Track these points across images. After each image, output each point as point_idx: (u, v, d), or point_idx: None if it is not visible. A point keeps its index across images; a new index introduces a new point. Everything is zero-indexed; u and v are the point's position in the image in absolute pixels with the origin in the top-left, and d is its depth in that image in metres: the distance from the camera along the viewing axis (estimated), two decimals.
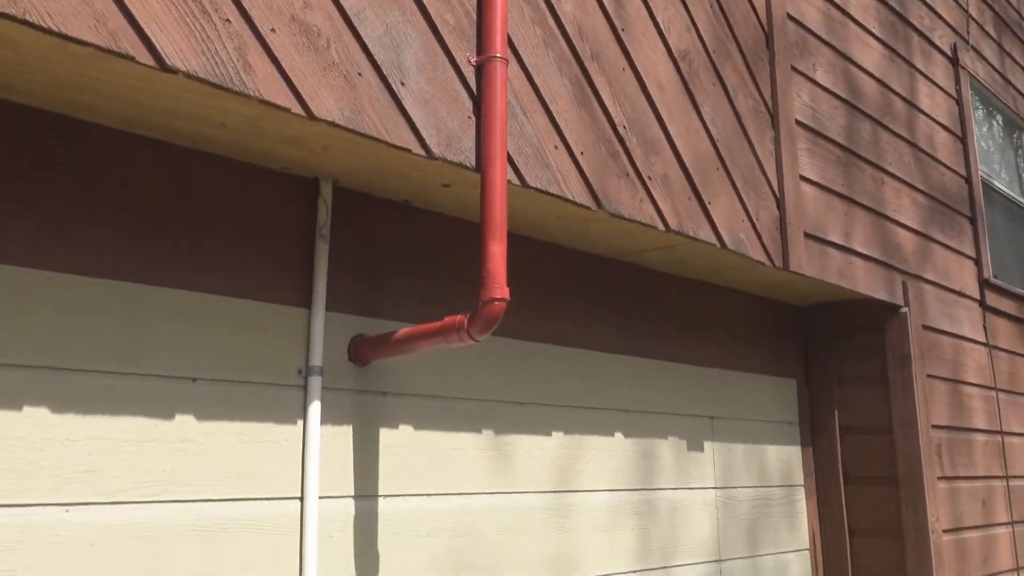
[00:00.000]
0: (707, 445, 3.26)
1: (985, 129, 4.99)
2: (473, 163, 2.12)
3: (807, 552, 3.61)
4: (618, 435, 2.92)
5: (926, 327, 3.76)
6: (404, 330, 2.16)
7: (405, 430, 2.34)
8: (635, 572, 2.86)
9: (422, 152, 2.02)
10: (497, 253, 2.02)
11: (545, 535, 2.61)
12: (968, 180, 4.47)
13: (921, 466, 3.46)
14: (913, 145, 4.02)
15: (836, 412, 3.71)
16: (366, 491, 2.22)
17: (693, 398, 3.25)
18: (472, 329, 2.01)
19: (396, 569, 2.24)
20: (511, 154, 2.19)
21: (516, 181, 2.21)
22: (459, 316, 2.04)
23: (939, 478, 3.60)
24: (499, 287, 2.00)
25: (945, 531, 3.54)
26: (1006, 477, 4.24)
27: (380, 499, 2.25)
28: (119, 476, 1.82)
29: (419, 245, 2.46)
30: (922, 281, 3.84)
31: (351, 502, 2.19)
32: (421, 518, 2.32)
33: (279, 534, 2.04)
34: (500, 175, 2.08)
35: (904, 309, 3.62)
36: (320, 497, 2.12)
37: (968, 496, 3.84)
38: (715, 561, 3.17)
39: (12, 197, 1.76)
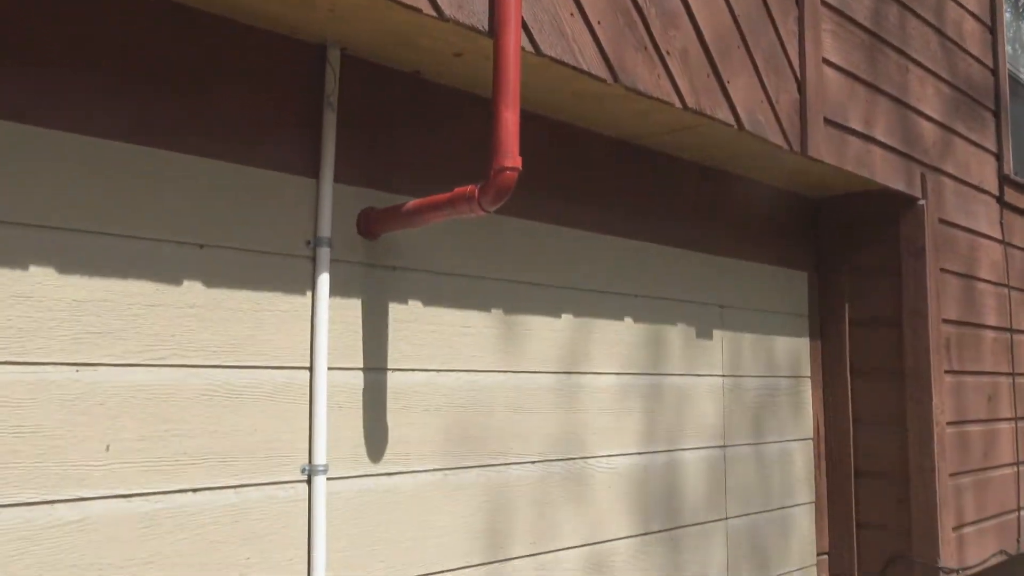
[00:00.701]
0: (716, 333, 3.26)
1: (1011, 33, 4.80)
2: (486, 26, 2.04)
3: (811, 441, 3.64)
4: (627, 319, 2.91)
5: (942, 221, 3.70)
6: (414, 201, 2.12)
7: (415, 305, 2.33)
8: (641, 454, 2.89)
9: (433, 12, 1.94)
10: (510, 121, 1.96)
11: (553, 415, 2.63)
12: (995, 72, 4.33)
13: (929, 359, 3.46)
14: (940, 33, 3.88)
15: (846, 305, 3.69)
16: (375, 364, 2.23)
17: (704, 286, 3.22)
18: (483, 199, 1.96)
19: (405, 441, 2.26)
20: (525, 19, 2.11)
21: (530, 48, 2.13)
22: (470, 186, 1.99)
23: (946, 371, 3.60)
24: (511, 156, 1.95)
25: (948, 423, 3.57)
26: (1013, 374, 4.25)
27: (389, 372, 2.25)
28: (128, 339, 1.82)
29: (430, 118, 2.40)
30: (941, 174, 3.76)
31: (360, 374, 2.20)
32: (430, 392, 2.33)
33: (289, 402, 2.05)
34: (514, 39, 2.00)
35: (921, 201, 3.56)
36: (329, 368, 2.12)
37: (974, 390, 3.85)
38: (720, 447, 3.20)
39: (14, 53, 1.70)
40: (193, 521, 1.87)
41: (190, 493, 1.88)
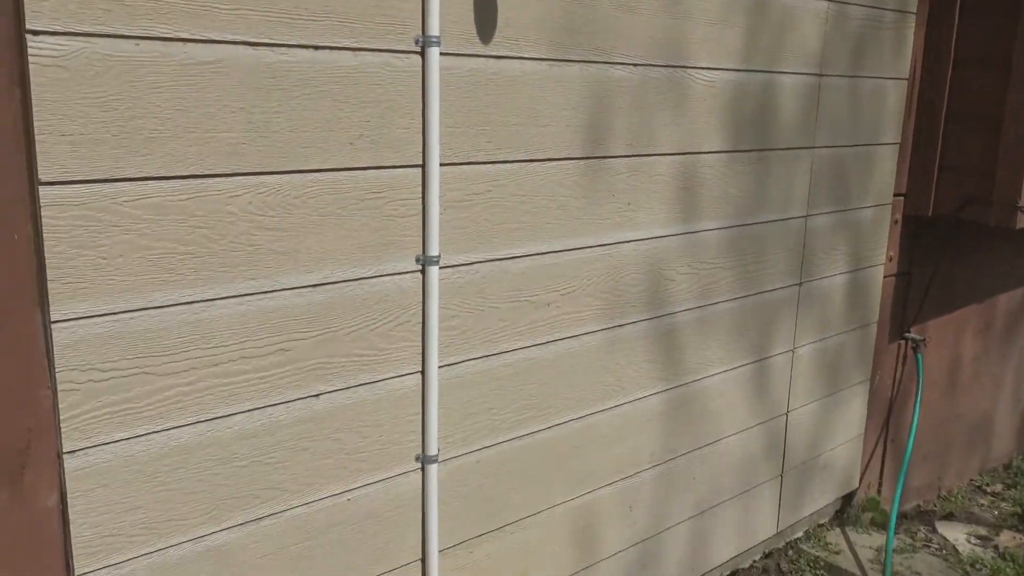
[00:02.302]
0: None
1: None
2: None
3: (905, 81, 3.54)
4: None
5: None
6: None
7: None
8: (739, 71, 2.83)
9: None
10: None
11: (658, 18, 2.55)
12: None
13: None
14: None
15: None
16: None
17: None
18: None
19: (513, 25, 2.22)
20: None
21: None
22: None
23: None
24: None
25: None
26: None
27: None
28: None
29: None
30: None
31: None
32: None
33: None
34: None
35: None
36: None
37: None
38: (816, 75, 3.13)
39: None
40: (316, 78, 1.91)
41: (311, 50, 1.89)
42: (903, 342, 3.93)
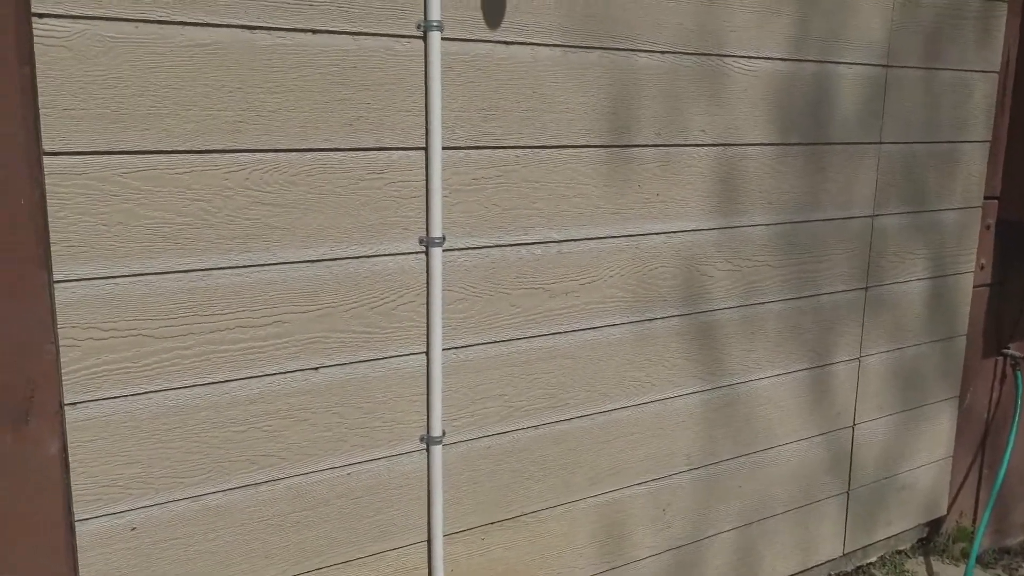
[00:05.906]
0: None
1: None
2: None
3: (994, 75, 3.29)
4: None
5: None
6: None
7: None
8: (787, 60, 2.73)
9: None
10: None
11: (689, 3, 2.50)
12: None
13: None
14: None
15: None
16: None
17: None
18: None
19: (522, 11, 2.24)
20: None
21: None
22: None
23: None
24: None
25: None
26: None
27: None
28: None
29: None
30: None
31: None
32: None
33: None
34: None
35: None
36: None
37: None
38: (882, 66, 2.96)
39: None
40: (313, 61, 1.99)
41: (308, 34, 1.98)
42: (1001, 358, 3.62)
